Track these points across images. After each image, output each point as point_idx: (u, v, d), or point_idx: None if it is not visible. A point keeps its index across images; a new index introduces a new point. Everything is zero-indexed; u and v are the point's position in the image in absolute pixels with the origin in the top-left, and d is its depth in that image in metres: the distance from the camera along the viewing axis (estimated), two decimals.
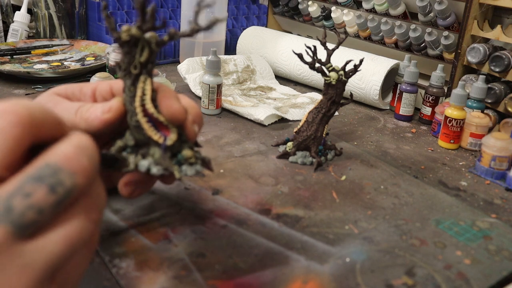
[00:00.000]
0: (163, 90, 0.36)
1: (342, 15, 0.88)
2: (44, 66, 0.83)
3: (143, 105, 0.35)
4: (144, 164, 0.35)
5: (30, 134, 0.24)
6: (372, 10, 0.84)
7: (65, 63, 0.86)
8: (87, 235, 0.25)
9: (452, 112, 0.63)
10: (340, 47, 0.76)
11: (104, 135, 0.41)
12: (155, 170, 0.35)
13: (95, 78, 0.66)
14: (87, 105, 0.36)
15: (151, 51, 0.35)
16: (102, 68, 0.84)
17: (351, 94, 0.60)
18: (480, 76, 0.66)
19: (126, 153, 0.36)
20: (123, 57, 0.35)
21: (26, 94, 0.73)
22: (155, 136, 0.36)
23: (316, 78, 0.84)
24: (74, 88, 0.39)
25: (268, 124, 0.68)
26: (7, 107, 0.23)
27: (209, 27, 0.33)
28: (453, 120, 0.63)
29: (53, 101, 0.37)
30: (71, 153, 0.24)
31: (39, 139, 0.24)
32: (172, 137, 0.36)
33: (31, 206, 0.22)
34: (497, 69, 0.66)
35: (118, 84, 0.38)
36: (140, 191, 0.39)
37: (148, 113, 0.36)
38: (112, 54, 0.75)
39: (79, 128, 0.36)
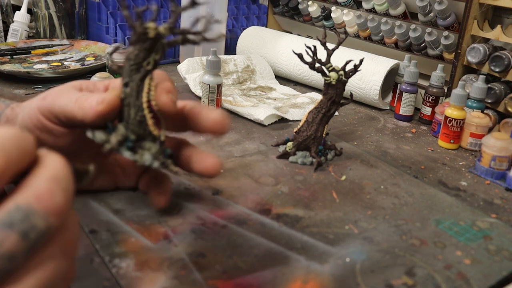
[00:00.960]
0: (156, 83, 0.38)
1: (342, 15, 0.88)
2: (44, 66, 0.83)
3: (149, 101, 0.36)
4: (148, 158, 0.36)
5: (3, 183, 0.22)
6: (372, 10, 0.84)
7: (65, 63, 0.86)
8: (63, 273, 0.23)
9: (452, 112, 0.63)
10: (340, 47, 0.76)
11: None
12: (156, 164, 0.36)
13: (95, 78, 0.66)
14: (86, 95, 0.37)
15: (164, 51, 0.36)
16: (102, 68, 0.84)
17: (351, 94, 0.60)
18: (480, 76, 0.66)
19: (125, 147, 0.37)
20: (138, 52, 0.35)
21: (26, 94, 0.73)
22: (155, 131, 0.37)
23: (316, 78, 0.84)
24: (89, 83, 0.41)
25: (268, 124, 0.68)
26: None
27: (208, 38, 0.35)
28: (453, 120, 0.63)
29: (62, 90, 0.39)
30: (43, 191, 0.22)
31: (13, 176, 0.22)
32: (164, 133, 0.37)
33: (1, 256, 0.20)
34: (497, 69, 0.66)
35: None
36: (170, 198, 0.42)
37: (153, 109, 0.37)
38: (115, 54, 0.75)
39: (76, 116, 0.36)
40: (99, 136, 0.36)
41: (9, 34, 0.97)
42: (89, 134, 0.36)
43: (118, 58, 0.68)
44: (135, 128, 0.37)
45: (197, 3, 0.34)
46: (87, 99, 0.36)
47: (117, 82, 0.40)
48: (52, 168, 0.23)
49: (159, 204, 0.42)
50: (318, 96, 0.79)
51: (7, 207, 0.21)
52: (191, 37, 0.35)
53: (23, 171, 0.23)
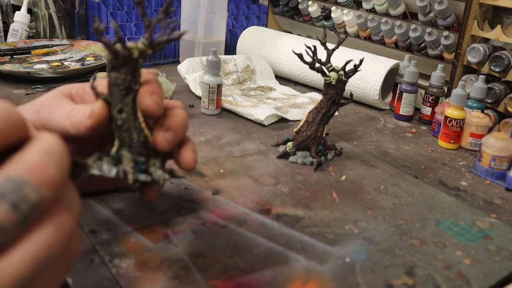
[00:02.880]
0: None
1: (342, 15, 0.88)
2: (44, 66, 0.83)
3: (145, 121, 0.36)
4: (160, 174, 0.37)
5: None
6: (372, 10, 0.84)
7: (65, 63, 0.86)
8: (58, 249, 0.22)
9: (452, 112, 0.63)
10: (340, 47, 0.76)
11: (95, 139, 0.41)
12: (167, 177, 0.37)
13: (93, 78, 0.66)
14: (77, 108, 0.36)
15: (141, 65, 0.35)
16: (102, 68, 0.84)
17: (351, 94, 0.60)
18: (480, 76, 0.66)
19: (138, 169, 0.36)
20: (125, 75, 0.34)
21: (26, 94, 0.73)
22: (155, 146, 0.37)
23: (316, 78, 0.84)
24: (78, 88, 0.40)
25: (268, 124, 0.68)
26: None
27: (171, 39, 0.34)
28: (453, 120, 0.63)
29: (54, 104, 0.38)
30: (36, 163, 0.21)
31: (2, 148, 0.22)
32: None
33: None
34: (497, 69, 0.66)
35: None
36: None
37: (149, 126, 0.36)
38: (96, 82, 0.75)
39: (70, 132, 0.36)
40: (112, 171, 0.35)
41: (9, 34, 0.97)
42: (95, 171, 0.35)
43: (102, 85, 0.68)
44: (141, 150, 0.36)
45: (170, 12, 0.34)
46: (76, 113, 0.36)
47: (103, 84, 0.39)
48: (46, 142, 0.22)
49: (150, 197, 0.40)
50: (318, 96, 0.79)
51: None
52: (163, 45, 0.35)
53: (12, 147, 0.22)
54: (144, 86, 0.36)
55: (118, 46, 0.33)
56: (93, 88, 0.34)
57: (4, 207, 0.20)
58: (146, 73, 0.37)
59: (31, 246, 0.21)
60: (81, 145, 0.39)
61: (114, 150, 0.36)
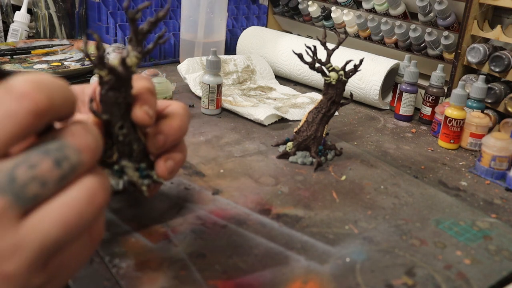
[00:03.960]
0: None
1: (342, 15, 0.88)
2: (44, 66, 0.83)
3: (140, 129, 0.36)
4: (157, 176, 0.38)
5: (45, 121, 0.23)
6: (372, 10, 0.84)
7: (65, 63, 0.86)
8: (89, 219, 0.23)
9: (452, 112, 0.63)
10: (340, 47, 0.76)
11: None
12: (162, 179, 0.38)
13: (95, 78, 0.66)
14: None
15: None
16: (98, 80, 0.84)
17: (351, 94, 0.60)
18: (480, 76, 0.66)
19: (142, 176, 0.37)
20: (125, 94, 0.33)
21: None
22: (152, 157, 0.38)
23: (316, 78, 0.84)
24: (77, 90, 0.39)
25: (268, 124, 0.68)
26: (28, 91, 0.22)
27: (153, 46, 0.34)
28: (453, 120, 0.63)
29: None
30: (77, 130, 0.24)
31: (55, 120, 0.24)
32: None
33: (34, 178, 0.22)
34: (497, 69, 0.66)
35: None
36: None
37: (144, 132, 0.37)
38: (112, 54, 0.75)
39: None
40: (119, 184, 0.35)
41: (9, 34, 0.97)
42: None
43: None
44: (140, 157, 0.36)
45: (158, 22, 0.34)
46: None
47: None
48: (86, 123, 0.25)
49: (149, 195, 0.40)
50: (318, 96, 0.79)
51: (44, 138, 0.23)
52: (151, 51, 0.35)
53: (62, 119, 0.25)
54: (136, 97, 0.35)
55: (119, 67, 0.33)
56: (93, 110, 0.33)
57: (48, 161, 0.22)
58: (138, 79, 0.36)
59: (64, 207, 0.22)
60: None
61: (112, 160, 0.35)
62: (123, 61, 0.33)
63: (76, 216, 0.23)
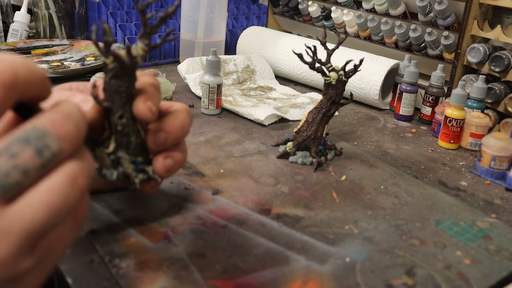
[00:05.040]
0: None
1: (342, 15, 0.88)
2: (44, 66, 0.83)
3: (141, 124, 0.36)
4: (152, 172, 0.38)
5: (14, 94, 0.23)
6: (372, 10, 0.84)
7: (65, 63, 0.86)
8: (72, 202, 0.24)
9: (452, 112, 0.63)
10: (340, 47, 0.76)
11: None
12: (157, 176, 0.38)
13: (95, 78, 0.66)
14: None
15: None
16: (102, 68, 0.84)
17: (351, 94, 0.60)
18: (480, 76, 0.66)
19: (139, 169, 0.37)
20: (128, 83, 0.34)
21: None
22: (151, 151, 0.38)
23: (316, 78, 0.84)
24: (79, 85, 0.40)
25: (268, 124, 0.68)
26: None
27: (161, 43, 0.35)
28: (453, 120, 0.63)
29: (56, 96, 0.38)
30: (58, 119, 0.24)
31: (23, 98, 0.24)
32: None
33: (16, 167, 0.22)
34: (497, 69, 0.66)
35: None
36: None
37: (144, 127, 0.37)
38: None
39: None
40: (113, 174, 0.36)
41: (9, 34, 0.97)
42: (97, 175, 0.35)
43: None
44: (138, 151, 0.37)
45: (167, 17, 0.34)
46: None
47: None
48: (68, 106, 0.25)
49: (148, 192, 0.40)
50: (318, 96, 0.79)
51: (24, 127, 0.23)
52: (158, 47, 0.35)
53: (34, 105, 0.25)
54: (140, 92, 0.36)
55: (124, 55, 0.33)
56: (94, 96, 0.33)
57: (29, 151, 0.23)
58: (145, 75, 0.37)
59: (47, 193, 0.23)
60: None
61: (109, 151, 0.36)
62: (129, 50, 0.33)
63: (59, 200, 0.23)
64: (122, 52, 0.33)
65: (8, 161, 0.22)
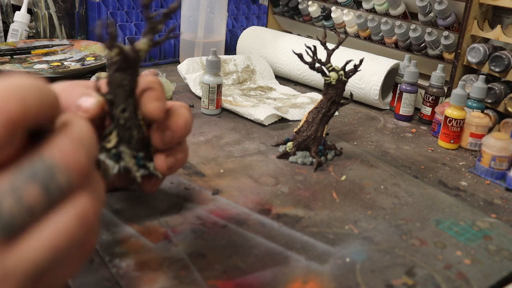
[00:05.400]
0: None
1: (342, 15, 0.88)
2: (44, 66, 0.83)
3: (143, 118, 0.36)
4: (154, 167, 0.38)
5: (22, 130, 0.21)
6: (372, 10, 0.84)
7: (65, 63, 0.86)
8: (78, 238, 0.23)
9: (452, 112, 0.63)
10: (340, 47, 0.76)
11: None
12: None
13: (95, 78, 0.66)
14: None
15: None
16: (102, 68, 0.84)
17: (351, 94, 0.60)
18: (480, 76, 0.66)
19: (140, 164, 0.37)
20: (132, 76, 0.34)
21: None
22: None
23: (316, 78, 0.84)
24: (81, 83, 0.40)
25: (268, 124, 0.68)
26: None
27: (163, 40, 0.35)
28: (453, 120, 0.63)
29: (71, 88, 0.37)
30: (68, 149, 0.22)
31: (33, 126, 0.22)
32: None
33: (21, 206, 0.21)
34: (497, 69, 0.66)
35: None
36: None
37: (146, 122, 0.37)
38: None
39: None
40: (114, 168, 0.36)
41: (9, 34, 0.97)
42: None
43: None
44: (139, 146, 0.37)
45: (171, 13, 0.34)
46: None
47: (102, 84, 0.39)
48: (78, 129, 0.23)
49: (149, 190, 0.41)
50: (318, 96, 0.79)
51: (32, 159, 0.21)
52: (161, 43, 0.36)
53: (45, 126, 0.23)
54: (148, 91, 0.36)
55: (128, 49, 0.33)
56: (98, 89, 0.34)
57: (35, 188, 0.21)
58: (149, 75, 0.37)
59: (52, 232, 0.21)
60: None
61: (110, 145, 0.36)
62: (133, 43, 0.34)
63: (66, 240, 0.22)
64: (127, 47, 0.34)
65: (13, 202, 0.20)
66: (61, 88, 0.38)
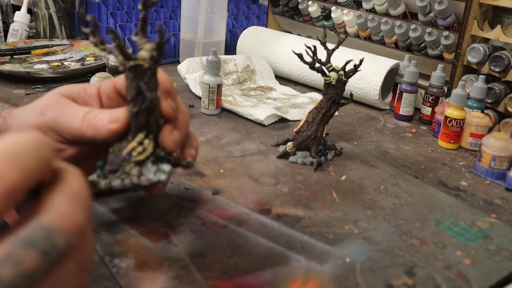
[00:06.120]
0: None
1: (342, 15, 0.88)
2: (44, 66, 0.83)
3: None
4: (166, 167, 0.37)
5: (20, 196, 0.21)
6: (372, 10, 0.84)
7: (65, 63, 0.86)
8: (78, 285, 0.24)
9: (452, 112, 0.63)
10: (340, 47, 0.76)
11: (97, 146, 0.40)
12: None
13: (95, 78, 0.66)
14: (95, 112, 0.36)
15: None
16: (102, 68, 0.84)
17: (351, 94, 0.60)
18: (480, 76, 0.66)
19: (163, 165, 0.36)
20: (154, 82, 0.34)
21: (26, 94, 0.73)
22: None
23: (316, 78, 0.84)
24: (79, 89, 0.39)
25: (268, 124, 0.68)
26: None
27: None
28: (453, 120, 0.63)
29: (60, 105, 0.37)
30: (67, 211, 0.22)
31: (31, 188, 0.22)
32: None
33: (21, 275, 0.20)
34: (497, 69, 0.66)
35: (120, 81, 0.38)
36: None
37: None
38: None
39: (85, 135, 0.36)
40: (166, 171, 0.35)
41: (9, 34, 0.97)
42: (135, 180, 0.35)
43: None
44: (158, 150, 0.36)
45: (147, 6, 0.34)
46: (96, 116, 0.36)
47: (107, 84, 0.39)
48: (73, 185, 0.23)
49: (156, 194, 0.41)
50: (318, 96, 0.79)
51: (30, 226, 0.21)
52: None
53: (41, 183, 0.23)
54: (163, 90, 0.36)
55: (152, 51, 0.34)
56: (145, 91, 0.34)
57: (35, 255, 0.21)
58: (160, 71, 0.37)
59: None
60: (83, 150, 0.38)
61: (148, 153, 0.35)
62: (154, 47, 0.34)
63: None
64: (146, 54, 0.33)
65: (13, 270, 0.20)
66: (45, 104, 0.37)
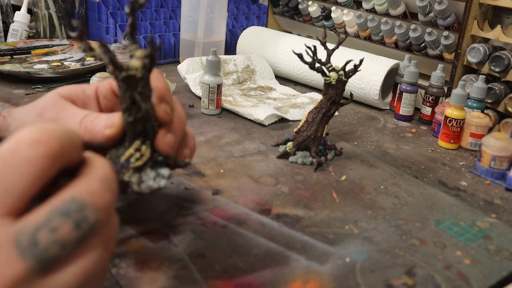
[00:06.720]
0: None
1: (342, 15, 0.88)
2: (44, 66, 0.83)
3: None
4: (165, 171, 0.37)
5: (58, 166, 0.24)
6: (372, 10, 0.84)
7: (65, 63, 0.86)
8: (103, 265, 0.25)
9: (452, 112, 0.63)
10: (340, 47, 0.76)
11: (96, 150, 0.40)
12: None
13: (95, 78, 0.66)
14: (92, 116, 0.36)
15: None
16: (102, 68, 0.84)
17: (351, 94, 0.60)
18: (480, 76, 0.66)
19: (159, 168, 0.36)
20: (148, 91, 0.34)
21: (26, 94, 0.73)
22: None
23: (316, 78, 0.84)
24: (78, 90, 0.39)
25: (268, 124, 0.68)
26: (39, 136, 0.23)
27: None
28: (453, 120, 0.63)
29: (59, 106, 0.37)
30: (97, 189, 0.24)
31: (64, 167, 0.25)
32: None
33: (55, 241, 0.22)
34: (497, 69, 0.66)
35: None
36: None
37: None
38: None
39: (83, 139, 0.35)
40: (166, 174, 0.35)
41: (9, 34, 0.97)
42: (136, 188, 0.35)
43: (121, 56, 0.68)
44: (155, 152, 0.36)
45: (135, 9, 0.33)
46: (93, 121, 0.35)
47: (104, 85, 0.39)
48: (102, 169, 0.26)
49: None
50: (318, 96, 0.79)
51: (64, 198, 0.24)
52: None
53: (71, 167, 0.25)
54: (157, 95, 0.36)
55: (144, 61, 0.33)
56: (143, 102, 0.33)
57: (69, 224, 0.23)
58: (157, 74, 0.37)
59: (84, 263, 0.24)
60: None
61: (146, 158, 0.35)
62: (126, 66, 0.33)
63: (94, 267, 0.24)
64: (137, 63, 0.33)
65: (49, 235, 0.22)
66: (44, 106, 0.37)
